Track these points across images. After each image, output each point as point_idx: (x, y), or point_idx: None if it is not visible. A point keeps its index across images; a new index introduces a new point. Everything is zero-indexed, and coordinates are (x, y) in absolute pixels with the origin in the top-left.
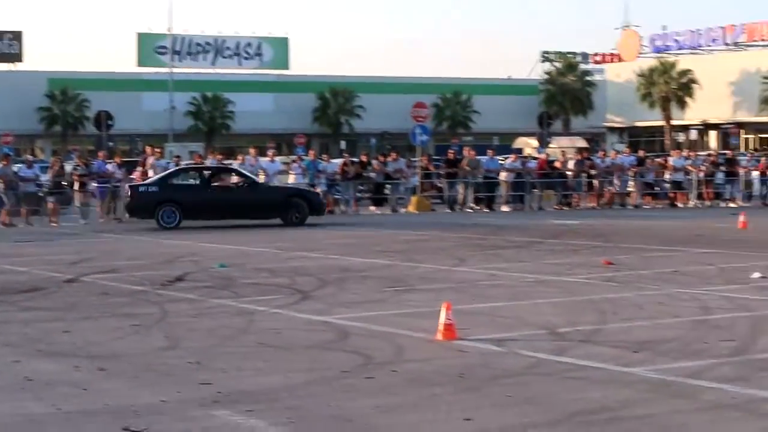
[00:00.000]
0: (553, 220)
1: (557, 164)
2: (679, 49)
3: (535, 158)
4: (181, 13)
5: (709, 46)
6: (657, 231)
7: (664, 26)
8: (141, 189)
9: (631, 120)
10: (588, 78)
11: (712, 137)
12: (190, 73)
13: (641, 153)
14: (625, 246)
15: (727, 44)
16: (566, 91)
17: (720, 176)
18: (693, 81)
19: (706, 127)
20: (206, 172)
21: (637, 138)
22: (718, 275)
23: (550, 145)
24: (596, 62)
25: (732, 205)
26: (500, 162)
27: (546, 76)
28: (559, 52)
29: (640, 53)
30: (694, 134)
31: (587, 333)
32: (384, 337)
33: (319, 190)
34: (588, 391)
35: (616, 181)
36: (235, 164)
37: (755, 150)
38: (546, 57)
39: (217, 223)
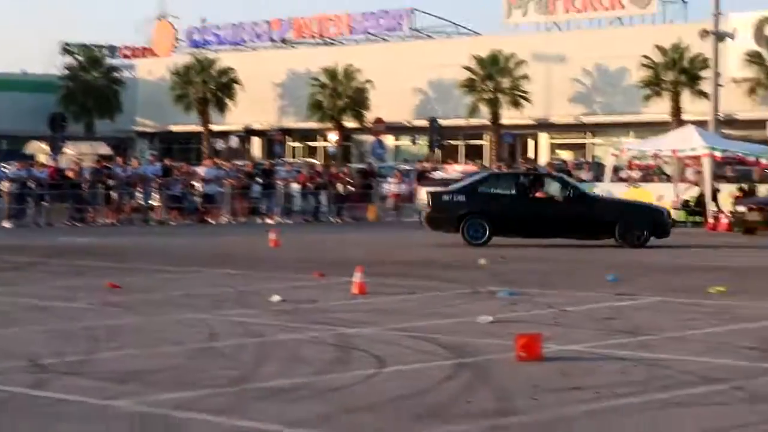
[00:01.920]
0: (62, 237)
1: (70, 173)
2: (220, 44)
3: (44, 166)
4: None
5: (253, 42)
6: (179, 250)
7: (203, 19)
8: (445, 198)
9: (164, 124)
10: (115, 74)
11: (256, 145)
12: None
13: (167, 162)
14: (140, 267)
15: (273, 41)
16: (89, 89)
17: (256, 189)
18: (235, 81)
19: (248, 134)
20: (525, 180)
21: (170, 144)
22: (236, 298)
23: (67, 151)
24: (125, 57)
25: (269, 221)
26: (3, 170)
27: (66, 72)
28: (83, 45)
29: (175, 48)
30: (235, 141)
31: (74, 364)
32: None
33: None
34: (58, 428)
35: (137, 194)
36: None
37: (304, 159)
38: (67, 49)
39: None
